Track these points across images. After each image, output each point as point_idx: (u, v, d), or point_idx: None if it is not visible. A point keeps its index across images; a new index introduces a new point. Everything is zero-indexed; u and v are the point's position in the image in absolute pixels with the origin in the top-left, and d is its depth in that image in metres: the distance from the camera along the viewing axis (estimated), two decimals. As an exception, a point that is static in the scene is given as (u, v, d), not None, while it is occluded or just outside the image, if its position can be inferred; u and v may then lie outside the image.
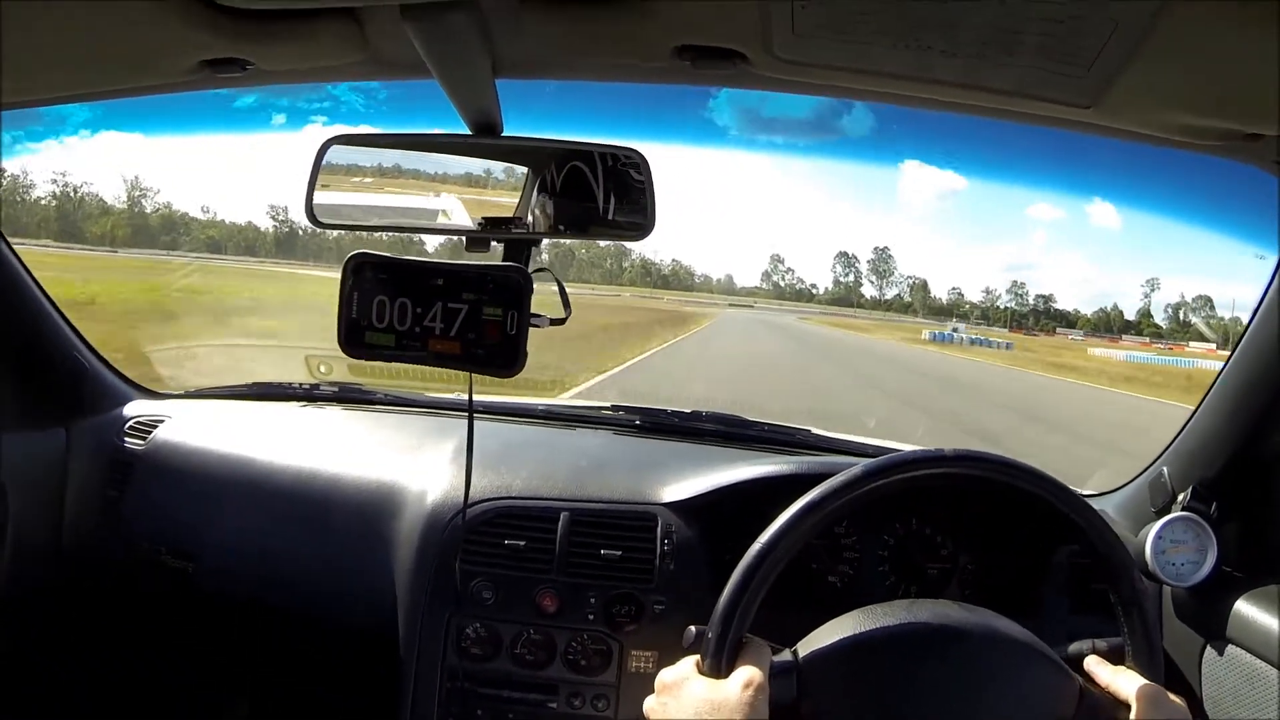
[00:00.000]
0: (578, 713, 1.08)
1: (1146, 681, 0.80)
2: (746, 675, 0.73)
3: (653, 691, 0.78)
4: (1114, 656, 0.98)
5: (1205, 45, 0.67)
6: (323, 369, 1.58)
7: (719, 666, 0.75)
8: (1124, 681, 0.81)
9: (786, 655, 0.79)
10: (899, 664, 0.78)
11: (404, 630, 1.11)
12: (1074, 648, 0.99)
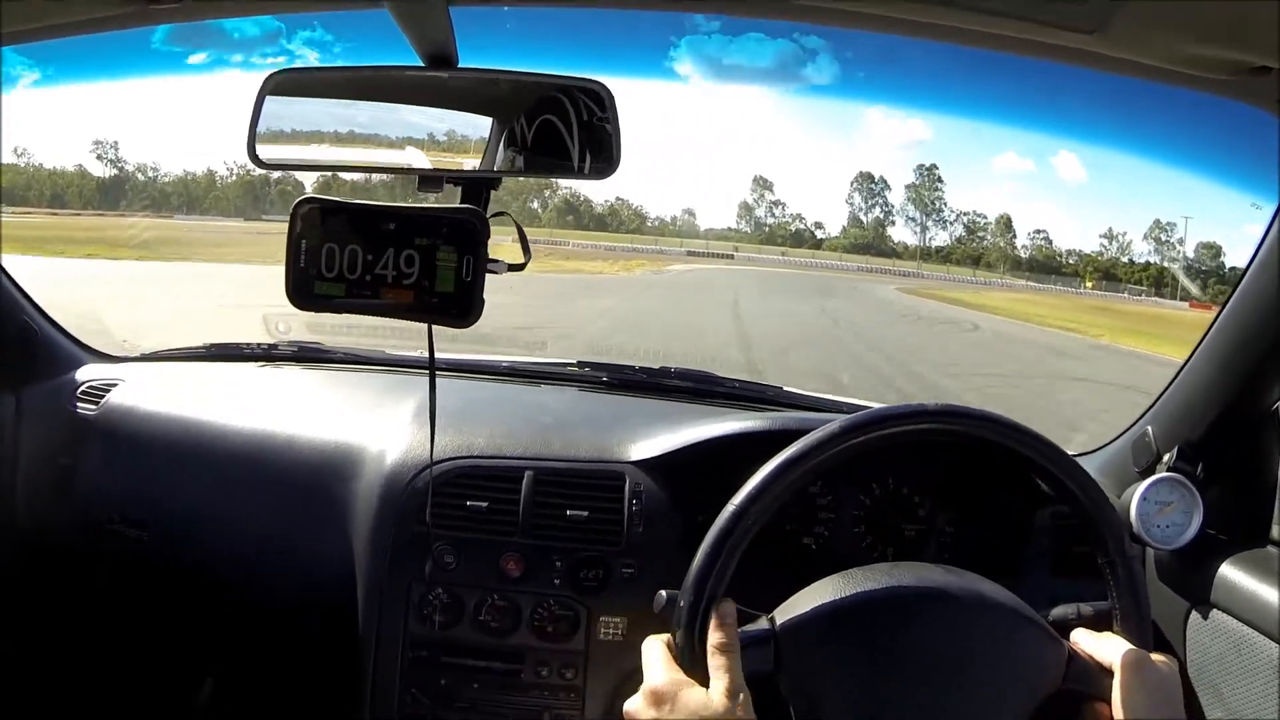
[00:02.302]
0: (545, 681, 1.05)
1: (1132, 647, 0.77)
2: (729, 682, 0.69)
3: (622, 665, 0.74)
4: (1100, 621, 0.96)
5: None
6: (280, 327, 1.53)
7: (692, 637, 0.72)
8: (1109, 647, 0.77)
9: (763, 624, 0.75)
10: (882, 630, 0.75)
11: (364, 597, 1.07)
12: (1058, 612, 0.96)
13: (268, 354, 1.44)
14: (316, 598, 1.13)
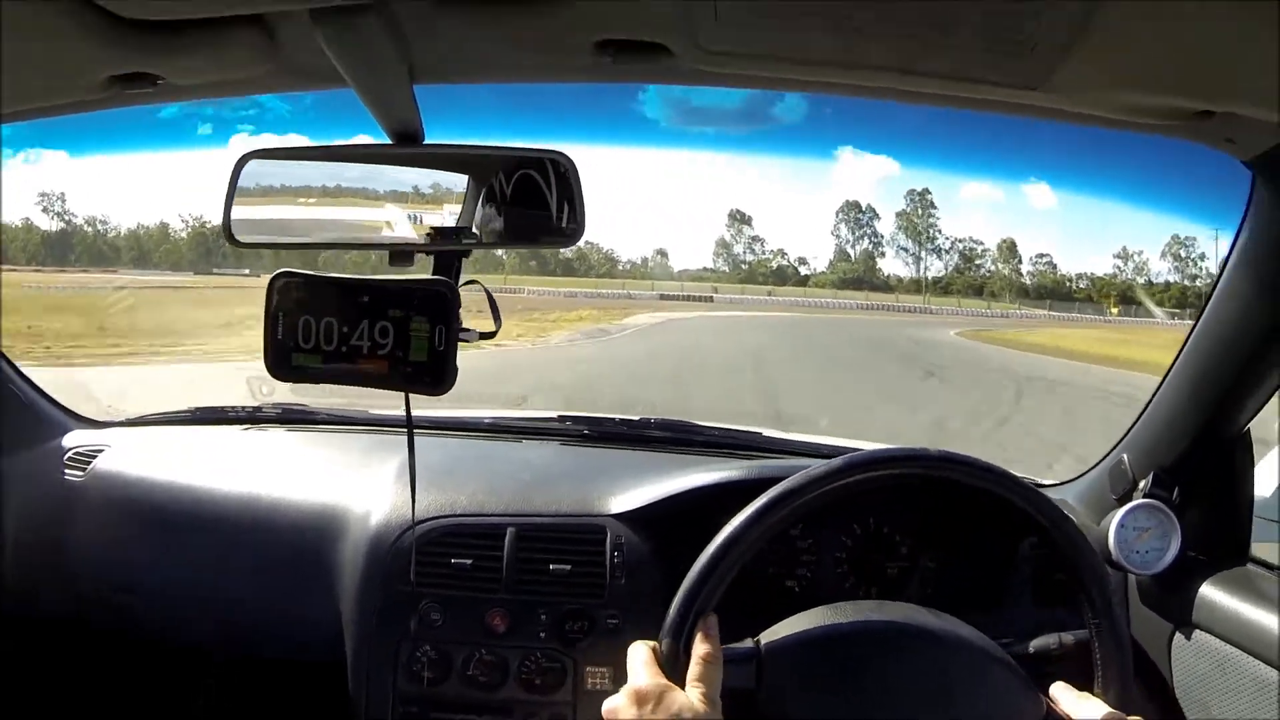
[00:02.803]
0: None
1: (1111, 711, 0.77)
2: (708, 690, 0.71)
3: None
4: (1079, 651, 0.97)
5: (1150, 23, 0.65)
6: (265, 389, 1.54)
7: (677, 644, 0.74)
8: (1090, 709, 0.78)
9: (748, 643, 0.78)
10: (865, 660, 0.76)
11: (353, 657, 1.08)
12: (1039, 643, 0.97)
13: (252, 417, 1.45)
14: (306, 659, 1.13)
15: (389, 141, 0.82)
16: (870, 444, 1.57)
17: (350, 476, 1.20)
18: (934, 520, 1.15)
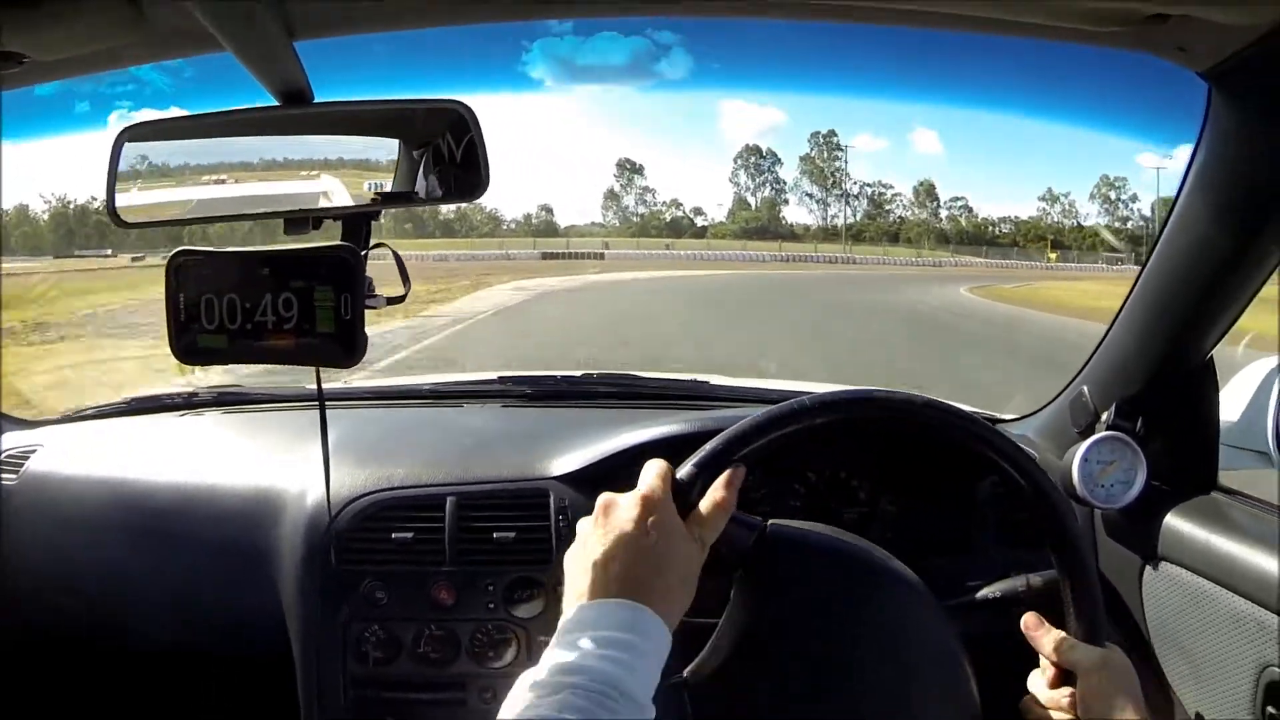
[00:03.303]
0: (491, 706, 1.03)
1: (1088, 648, 0.75)
2: (706, 530, 0.68)
3: None
4: (1048, 592, 0.95)
5: None
6: (198, 372, 1.52)
7: (697, 477, 0.69)
8: (1051, 642, 0.77)
9: (757, 518, 0.74)
10: (854, 582, 0.74)
11: (300, 643, 1.06)
12: (1007, 585, 0.95)
13: (188, 402, 1.41)
14: (255, 649, 1.12)
15: (276, 104, 0.77)
16: (814, 385, 1.54)
17: (286, 457, 1.18)
18: (891, 463, 1.12)
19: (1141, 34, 0.77)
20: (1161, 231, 1.00)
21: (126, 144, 0.78)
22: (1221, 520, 0.99)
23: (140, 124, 0.79)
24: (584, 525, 0.68)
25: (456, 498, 1.07)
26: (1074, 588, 0.77)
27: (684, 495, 0.68)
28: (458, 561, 1.05)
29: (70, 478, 1.23)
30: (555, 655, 0.59)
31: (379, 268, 0.79)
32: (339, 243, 0.77)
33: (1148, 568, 1.06)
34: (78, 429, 1.37)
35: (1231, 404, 1.11)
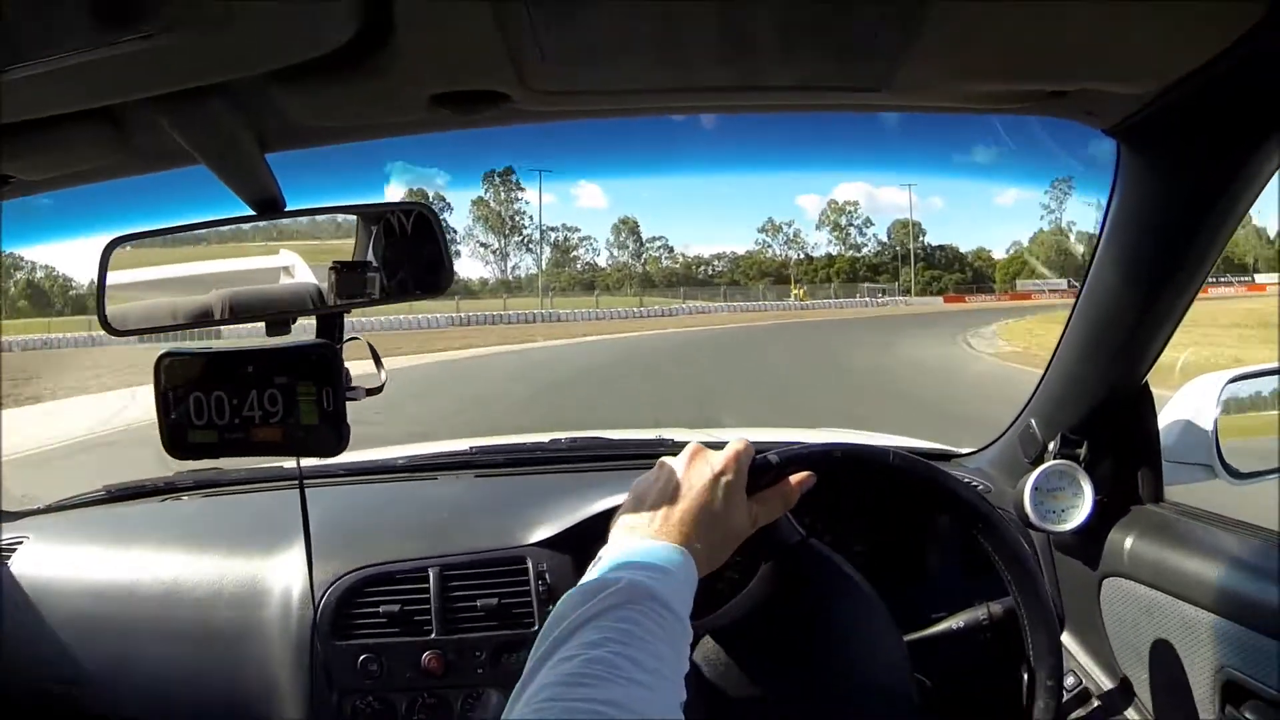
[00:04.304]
0: None
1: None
2: (767, 508, 0.76)
3: None
4: (1009, 619, 1.00)
5: (985, 16, 0.67)
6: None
7: (772, 466, 0.78)
8: None
9: (802, 530, 0.83)
10: (858, 603, 0.82)
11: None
12: (968, 617, 1.00)
13: (169, 487, 1.43)
14: None
15: (251, 212, 0.82)
16: (780, 433, 1.59)
17: (268, 538, 1.19)
18: (856, 505, 1.17)
19: (1047, 105, 0.84)
20: (1088, 269, 1.07)
21: (115, 252, 0.84)
22: (1169, 534, 1.05)
23: (126, 235, 0.84)
24: (666, 464, 0.76)
25: (439, 569, 1.10)
26: (1030, 619, 0.83)
27: (757, 476, 0.76)
28: (445, 630, 1.08)
29: (60, 568, 1.23)
30: (593, 573, 0.65)
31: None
32: (318, 340, 0.83)
33: (1104, 583, 1.11)
34: (61, 519, 1.38)
35: (1172, 422, 1.17)
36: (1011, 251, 56.40)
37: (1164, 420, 1.16)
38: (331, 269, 0.82)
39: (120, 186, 0.88)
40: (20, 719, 1.19)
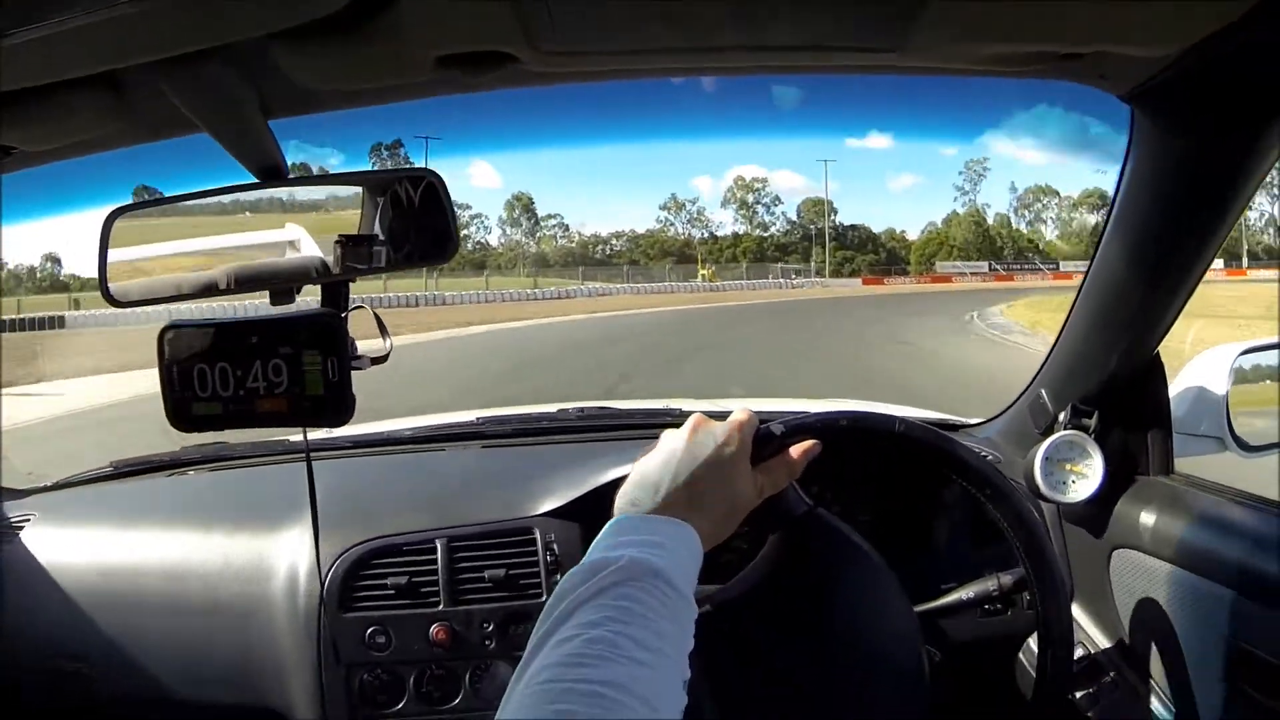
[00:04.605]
0: None
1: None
2: (770, 478, 0.74)
3: None
4: (1018, 589, 1.00)
5: None
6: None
7: (775, 437, 0.76)
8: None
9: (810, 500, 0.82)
10: (867, 572, 0.81)
11: (306, 693, 1.08)
12: (979, 588, 1.00)
13: (175, 462, 1.43)
14: (260, 702, 1.13)
15: (254, 180, 0.81)
16: (785, 402, 1.58)
17: (275, 512, 1.20)
18: (862, 474, 1.17)
19: (1061, 68, 0.83)
20: (1100, 239, 1.05)
21: (117, 222, 0.83)
22: (1179, 506, 1.05)
23: (127, 205, 0.83)
24: (669, 437, 0.74)
25: (446, 540, 1.10)
26: (1040, 591, 0.83)
27: (761, 446, 0.75)
28: (453, 602, 1.08)
29: (68, 545, 1.24)
30: (595, 549, 0.64)
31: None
32: (322, 308, 0.82)
33: (1113, 555, 1.11)
34: (68, 496, 1.38)
35: (1183, 395, 1.17)
36: (927, 232, 54.40)
37: (1175, 392, 1.15)
38: (337, 242, 0.81)
39: (122, 157, 0.87)
40: (30, 695, 1.19)
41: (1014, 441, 1.26)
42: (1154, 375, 1.10)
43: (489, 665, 1.07)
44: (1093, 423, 1.11)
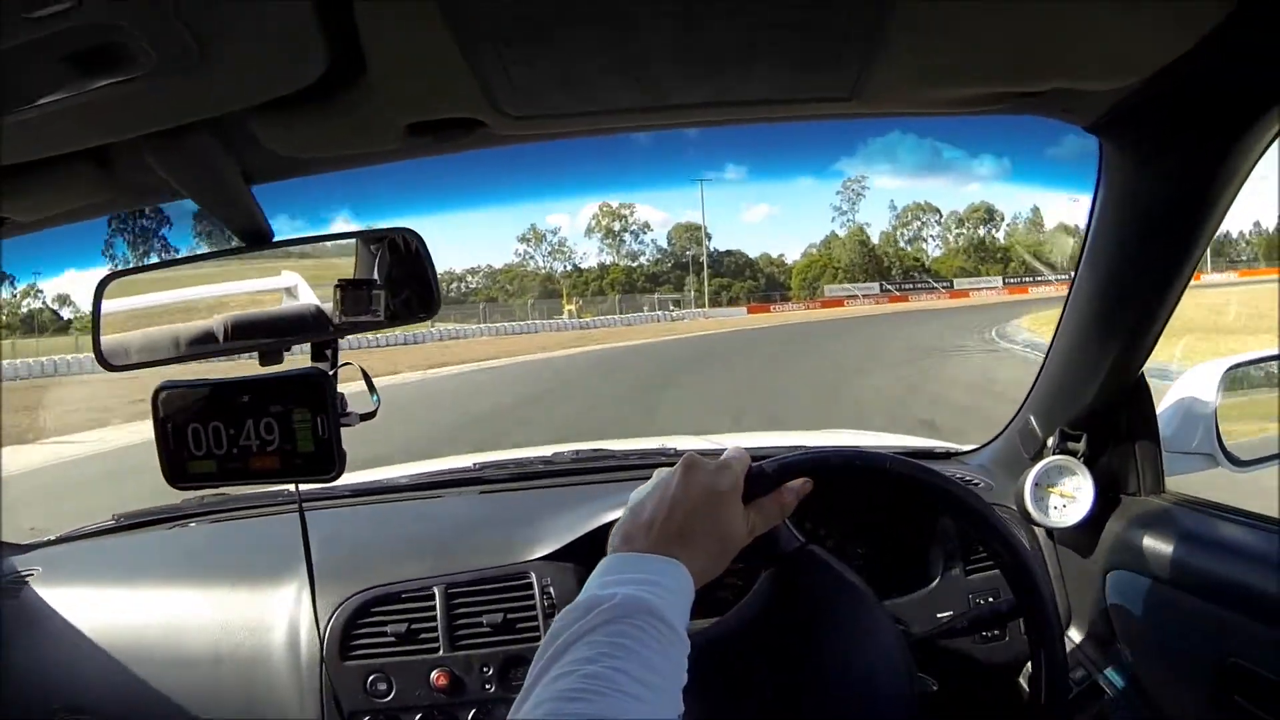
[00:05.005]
0: None
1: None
2: (761, 516, 0.74)
3: None
4: (1011, 614, 1.00)
5: (952, 20, 0.66)
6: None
7: (769, 476, 0.76)
8: None
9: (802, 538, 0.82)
10: (860, 608, 0.81)
11: None
12: (973, 616, 1.01)
13: (174, 515, 1.44)
14: None
15: (241, 245, 0.84)
16: (781, 437, 1.58)
17: (276, 561, 1.20)
18: (855, 510, 1.17)
19: (1022, 104, 0.85)
20: (1078, 266, 1.06)
21: (110, 287, 0.85)
22: (1170, 524, 1.05)
23: (120, 271, 0.86)
24: (661, 476, 0.75)
25: (444, 587, 1.11)
26: (1031, 611, 0.83)
27: (753, 484, 0.76)
28: (452, 647, 1.09)
29: (71, 600, 1.24)
30: (589, 590, 0.64)
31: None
32: (310, 366, 0.83)
33: (1108, 576, 1.11)
34: (71, 550, 1.39)
35: (1172, 412, 1.17)
36: (808, 255, 51.44)
37: (1163, 410, 1.16)
38: (336, 287, 0.83)
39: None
40: None
41: (1005, 468, 1.27)
42: (1140, 396, 1.10)
43: (490, 708, 1.07)
44: (1081, 446, 1.12)
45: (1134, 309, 1.01)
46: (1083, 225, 1.03)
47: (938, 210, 52.68)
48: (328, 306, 0.85)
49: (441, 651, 1.08)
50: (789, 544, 0.80)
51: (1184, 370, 1.21)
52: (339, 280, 0.84)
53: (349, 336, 0.89)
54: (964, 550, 1.15)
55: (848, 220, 51.89)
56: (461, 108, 0.73)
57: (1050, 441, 1.14)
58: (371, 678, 1.07)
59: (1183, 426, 1.16)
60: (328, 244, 0.86)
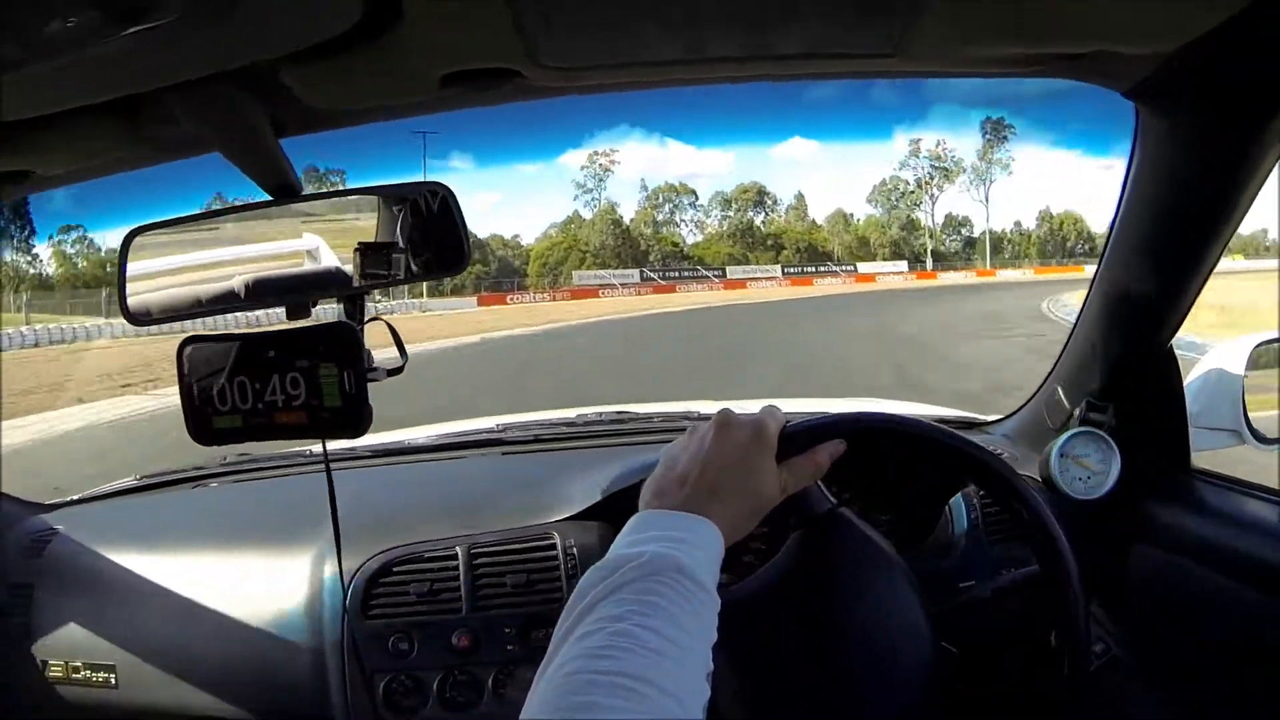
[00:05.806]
0: None
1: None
2: (793, 475, 0.74)
3: None
4: (1039, 583, 1.00)
5: None
6: None
7: (804, 434, 0.76)
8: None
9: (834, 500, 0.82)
10: (887, 572, 0.81)
11: (332, 699, 1.09)
12: (996, 585, 1.00)
13: (198, 474, 1.44)
14: (288, 709, 1.14)
15: (269, 198, 0.83)
16: (806, 402, 1.57)
17: (299, 520, 1.20)
18: (878, 475, 1.17)
19: (1061, 67, 0.83)
20: (1109, 234, 1.05)
21: (135, 242, 0.84)
22: (1195, 500, 1.04)
23: (145, 225, 0.85)
24: (696, 432, 0.74)
25: (467, 547, 1.11)
26: (1056, 582, 0.83)
27: (787, 444, 0.75)
28: (474, 608, 1.09)
29: (95, 558, 1.24)
30: (619, 544, 0.64)
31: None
32: (338, 320, 0.83)
33: (1131, 551, 1.10)
34: (94, 509, 1.39)
35: (1199, 388, 1.16)
36: (548, 237, 47.79)
37: (1190, 385, 1.15)
38: (356, 250, 0.82)
39: (139, 175, 0.88)
40: (57, 709, 1.21)
41: (1030, 438, 1.26)
42: (1168, 369, 1.09)
43: (512, 669, 1.08)
44: (1107, 418, 1.11)
45: (1164, 280, 1.00)
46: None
47: (693, 192, 50.03)
48: (358, 262, 0.84)
49: (464, 612, 1.08)
50: (820, 505, 0.80)
51: (1212, 346, 1.19)
52: (367, 236, 0.84)
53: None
54: (989, 519, 1.15)
55: (593, 199, 48.95)
56: (498, 56, 0.72)
57: (1077, 412, 1.13)
58: (393, 637, 1.08)
59: (1210, 402, 1.15)
60: (354, 198, 0.85)
